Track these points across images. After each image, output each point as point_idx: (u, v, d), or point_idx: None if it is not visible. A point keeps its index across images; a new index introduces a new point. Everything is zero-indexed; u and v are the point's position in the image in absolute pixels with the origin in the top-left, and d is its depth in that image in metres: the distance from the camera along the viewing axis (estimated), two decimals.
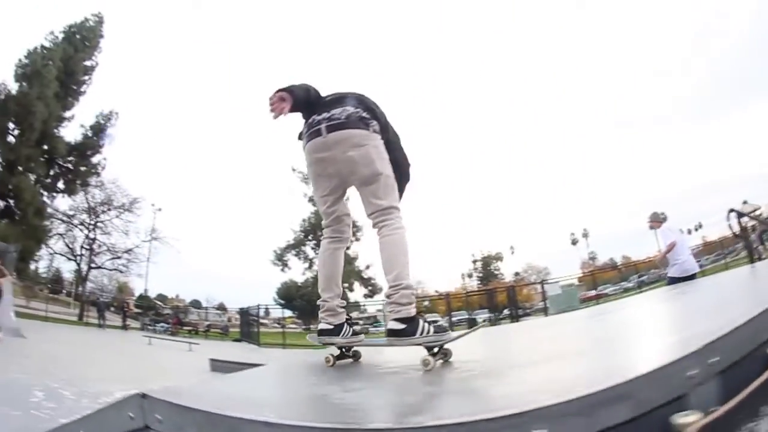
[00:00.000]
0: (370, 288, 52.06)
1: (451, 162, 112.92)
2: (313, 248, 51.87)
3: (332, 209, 2.93)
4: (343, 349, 2.89)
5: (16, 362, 9.88)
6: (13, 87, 32.07)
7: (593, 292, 35.06)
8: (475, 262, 66.19)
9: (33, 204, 32.81)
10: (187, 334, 34.73)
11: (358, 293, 52.81)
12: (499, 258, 66.68)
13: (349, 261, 50.10)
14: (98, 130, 38.51)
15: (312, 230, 51.42)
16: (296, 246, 52.42)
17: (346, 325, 2.81)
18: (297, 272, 54.80)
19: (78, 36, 36.85)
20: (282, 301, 59.35)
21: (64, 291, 54.40)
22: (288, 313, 38.16)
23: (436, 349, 2.32)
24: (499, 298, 33.96)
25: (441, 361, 2.34)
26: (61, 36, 35.79)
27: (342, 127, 2.58)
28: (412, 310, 2.39)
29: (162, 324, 36.23)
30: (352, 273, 50.15)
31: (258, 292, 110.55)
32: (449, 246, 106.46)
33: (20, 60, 32.42)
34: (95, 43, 38.17)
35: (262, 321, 30.41)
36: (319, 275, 2.99)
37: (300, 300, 54.64)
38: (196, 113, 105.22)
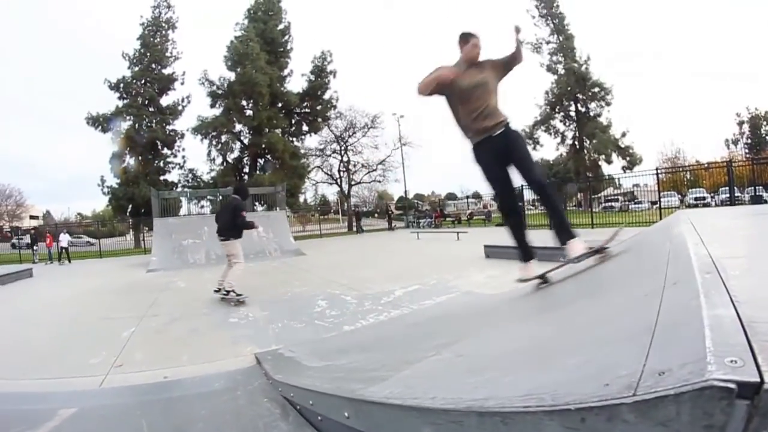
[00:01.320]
0: (628, 159, 45.72)
1: None
2: (561, 121, 48.41)
3: None
4: None
5: (298, 278, 10.67)
6: (231, 75, 38.75)
7: None
8: (741, 124, 53.05)
9: (286, 150, 38.72)
10: (451, 224, 36.14)
11: (615, 165, 47.20)
12: None
13: (603, 129, 45.36)
14: (319, 71, 42.29)
15: (558, 101, 47.55)
16: (544, 121, 48.76)
17: None
18: (549, 149, 51.59)
19: (260, 12, 41.19)
20: None
21: (332, 210, 64.95)
22: None
23: None
24: None
25: None
26: (245, 21, 40.80)
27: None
28: None
29: (425, 219, 38.28)
30: (607, 143, 45.13)
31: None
32: (709, 104, 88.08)
33: (225, 56, 38.92)
34: (277, 8, 42.10)
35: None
36: None
37: (553, 178, 52.09)
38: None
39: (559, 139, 49.32)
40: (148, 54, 38.73)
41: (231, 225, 7.99)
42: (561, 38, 47.19)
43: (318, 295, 7.67)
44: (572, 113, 47.67)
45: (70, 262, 24.47)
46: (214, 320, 6.48)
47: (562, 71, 47.21)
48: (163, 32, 40.06)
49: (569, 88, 46.22)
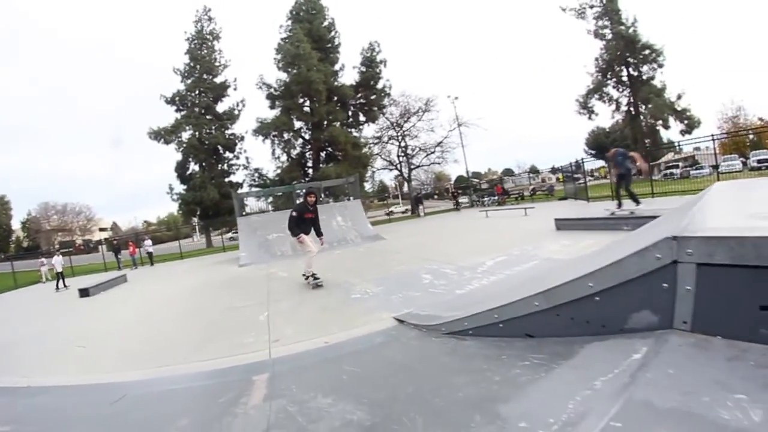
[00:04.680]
0: (686, 122, 44.64)
1: None
2: (614, 87, 47.89)
3: None
4: None
5: (392, 258, 11.77)
6: (284, 76, 40.48)
7: None
8: None
9: (348, 142, 40.45)
10: (514, 200, 36.64)
11: (674, 130, 46.90)
12: None
13: (658, 93, 44.53)
14: (369, 62, 43.57)
15: (609, 67, 47.00)
16: (597, 89, 48.47)
17: None
18: (604, 117, 50.55)
19: (302, 12, 42.57)
20: (592, 152, 56.69)
21: (390, 195, 67.06)
22: (600, 163, 35.68)
23: None
24: None
25: None
26: (289, 23, 42.45)
27: None
28: None
29: (489, 197, 38.89)
30: (663, 107, 44.26)
31: (567, 147, 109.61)
32: None
33: (275, 58, 40.50)
34: (319, 6, 43.29)
35: (575, 176, 29.85)
36: None
37: (611, 147, 50.57)
38: None
39: (613, 107, 48.78)
40: (198, 66, 42.09)
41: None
42: (605, 1, 46.36)
43: (420, 270, 8.66)
44: (624, 78, 47.02)
45: (152, 265, 27.60)
46: (338, 298, 7.39)
47: (609, 36, 46.66)
48: (209, 44, 43.46)
49: (619, 53, 45.71)
